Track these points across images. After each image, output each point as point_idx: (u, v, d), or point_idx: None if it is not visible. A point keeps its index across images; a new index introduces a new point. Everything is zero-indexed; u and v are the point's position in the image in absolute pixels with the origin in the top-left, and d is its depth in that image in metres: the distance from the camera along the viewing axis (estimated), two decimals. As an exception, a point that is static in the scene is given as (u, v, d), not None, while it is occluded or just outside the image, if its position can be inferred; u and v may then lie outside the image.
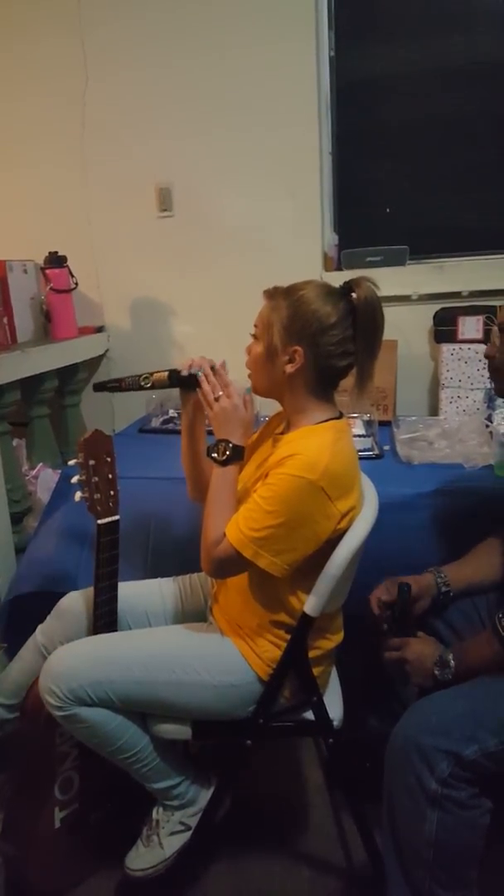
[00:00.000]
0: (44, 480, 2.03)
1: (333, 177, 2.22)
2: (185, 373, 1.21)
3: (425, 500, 1.48)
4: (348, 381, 1.16)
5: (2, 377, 1.83)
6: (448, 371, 2.00)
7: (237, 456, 1.15)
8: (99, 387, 1.28)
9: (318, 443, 1.08)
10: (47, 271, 2.13)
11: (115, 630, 1.26)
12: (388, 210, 2.22)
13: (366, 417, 1.86)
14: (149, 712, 1.17)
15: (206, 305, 2.27)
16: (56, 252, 2.14)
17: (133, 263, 2.33)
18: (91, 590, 1.24)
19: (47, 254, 2.14)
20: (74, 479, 1.21)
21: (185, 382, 1.22)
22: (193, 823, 1.24)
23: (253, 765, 1.60)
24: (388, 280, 2.02)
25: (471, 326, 2.00)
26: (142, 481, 1.58)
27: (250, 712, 1.17)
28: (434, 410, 2.09)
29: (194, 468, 1.31)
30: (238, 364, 1.22)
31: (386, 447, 1.77)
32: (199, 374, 1.19)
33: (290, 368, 1.12)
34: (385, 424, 1.92)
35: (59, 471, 1.96)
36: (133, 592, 1.33)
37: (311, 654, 1.16)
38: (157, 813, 1.25)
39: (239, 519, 1.07)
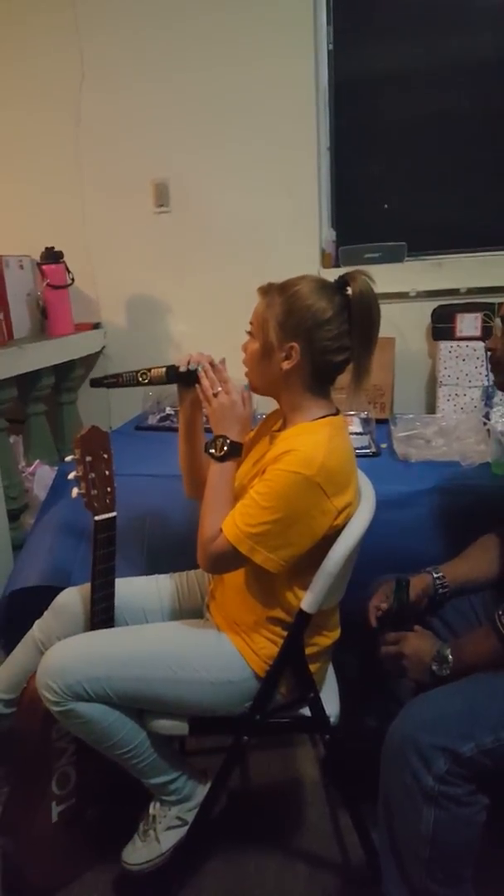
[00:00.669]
0: (40, 477, 2.02)
1: (331, 173, 2.21)
2: (182, 369, 1.21)
3: (422, 498, 1.49)
4: (345, 379, 1.16)
5: (-2, 374, 1.83)
6: (446, 368, 2.00)
7: (235, 452, 1.15)
8: (96, 382, 1.27)
9: (314, 439, 1.08)
10: (43, 267, 2.12)
11: (112, 626, 1.26)
12: (386, 206, 2.22)
13: (363, 415, 1.86)
14: (145, 708, 1.17)
15: (202, 302, 2.27)
16: (52, 248, 2.14)
17: (130, 259, 2.32)
18: (88, 586, 1.24)
19: (43, 249, 2.13)
20: (71, 476, 1.20)
21: (183, 378, 1.22)
22: (190, 818, 1.24)
23: (249, 761, 1.60)
24: (386, 277, 2.02)
25: (469, 324, 1.99)
26: (138, 478, 1.58)
27: (247, 709, 1.17)
28: (431, 408, 2.09)
29: (191, 465, 1.31)
30: (236, 361, 1.22)
31: (383, 445, 1.77)
32: (199, 369, 1.18)
33: (286, 365, 1.11)
34: (382, 422, 1.92)
35: (56, 467, 1.96)
36: (130, 589, 1.33)
37: (308, 650, 1.16)
38: (153, 808, 1.25)
39: (235, 515, 1.07)
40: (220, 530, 1.08)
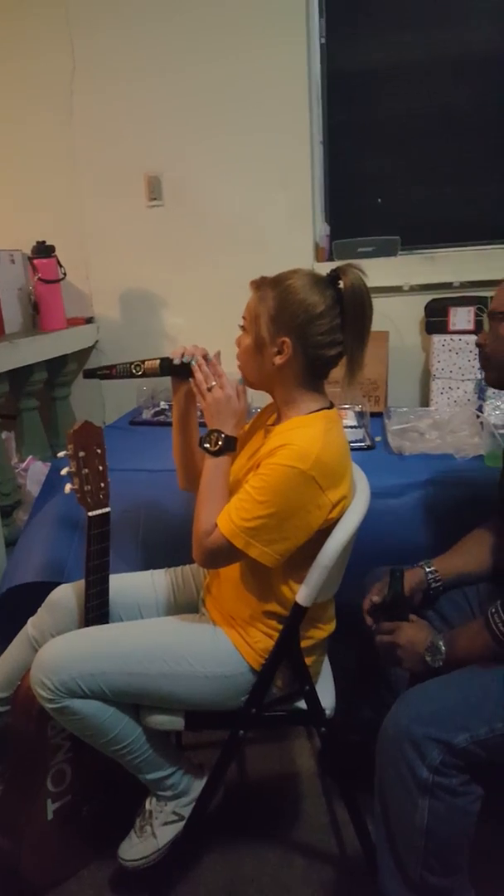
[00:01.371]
0: (34, 473, 2.01)
1: (325, 166, 2.20)
2: (177, 361, 1.20)
3: (416, 491, 1.49)
4: (339, 373, 1.16)
5: (-10, 369, 1.82)
6: (439, 362, 2.00)
7: (229, 446, 1.14)
8: (89, 373, 1.26)
9: (309, 433, 1.08)
10: (35, 261, 2.11)
11: (107, 622, 1.26)
12: (379, 200, 2.22)
13: (357, 408, 1.86)
14: (141, 703, 1.17)
15: (196, 296, 2.26)
16: (44, 242, 2.12)
17: (122, 253, 2.31)
18: (82, 582, 1.24)
19: (35, 243, 2.12)
20: (64, 471, 1.20)
21: (177, 371, 1.21)
22: (186, 813, 1.24)
23: (246, 755, 1.60)
24: (380, 271, 2.03)
25: (462, 317, 2.00)
26: (133, 473, 1.58)
27: (243, 702, 1.17)
28: (425, 401, 2.10)
29: (186, 458, 1.31)
30: (230, 355, 1.22)
31: (377, 438, 1.77)
32: (193, 363, 1.18)
33: (278, 360, 1.11)
34: (377, 415, 1.93)
35: (49, 463, 1.95)
36: (125, 584, 1.32)
37: (304, 643, 1.16)
38: (150, 803, 1.25)
39: (230, 509, 1.07)
40: (216, 525, 1.08)
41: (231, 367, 1.21)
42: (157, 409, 2.11)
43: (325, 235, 2.21)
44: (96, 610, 1.24)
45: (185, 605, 1.34)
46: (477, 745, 0.94)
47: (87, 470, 1.18)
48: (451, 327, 2.01)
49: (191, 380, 1.19)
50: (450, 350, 1.99)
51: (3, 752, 1.29)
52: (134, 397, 2.19)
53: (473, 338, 1.95)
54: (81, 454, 1.18)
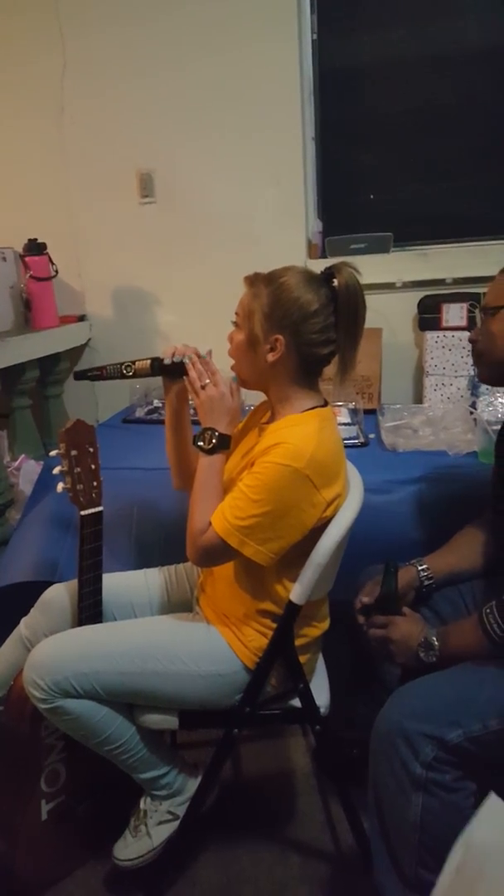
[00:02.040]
0: (26, 472, 2.00)
1: (317, 163, 2.20)
2: (167, 361, 1.20)
3: (410, 488, 1.49)
4: (332, 370, 1.15)
5: (-19, 367, 1.81)
6: (432, 359, 2.00)
7: (223, 445, 1.14)
8: (79, 375, 1.26)
9: (303, 431, 1.08)
10: (27, 259, 2.10)
11: (100, 622, 1.25)
12: (371, 197, 2.21)
13: (351, 406, 1.86)
14: (135, 703, 1.17)
15: (189, 293, 2.25)
16: (35, 239, 2.11)
17: (115, 251, 2.30)
18: (75, 582, 1.23)
19: (26, 241, 2.10)
20: (56, 470, 1.19)
21: (168, 371, 1.21)
22: (181, 813, 1.24)
23: (240, 753, 1.60)
24: (373, 267, 2.03)
25: (455, 314, 2.00)
26: (126, 471, 1.57)
27: (237, 701, 1.17)
28: (419, 398, 2.10)
29: (179, 457, 1.30)
30: (223, 353, 1.21)
31: (371, 435, 1.77)
32: (186, 361, 1.17)
33: (271, 357, 1.11)
34: (370, 412, 1.93)
35: (42, 462, 1.94)
36: (118, 583, 1.32)
37: (298, 641, 1.16)
38: (144, 803, 1.25)
39: (225, 508, 1.07)
40: (210, 523, 1.07)
41: (223, 366, 1.20)
42: (150, 407, 2.11)
43: (317, 232, 2.20)
44: (89, 609, 1.24)
45: (179, 603, 1.33)
46: (470, 741, 0.94)
47: (79, 469, 1.18)
48: (444, 324, 2.01)
49: (185, 378, 1.18)
50: (443, 346, 1.99)
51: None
52: (127, 395, 2.18)
53: (466, 334, 1.96)
54: (74, 453, 1.17)
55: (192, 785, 1.26)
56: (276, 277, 1.11)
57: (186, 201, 2.20)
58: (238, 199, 2.16)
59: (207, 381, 1.15)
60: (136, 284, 2.31)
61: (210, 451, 1.13)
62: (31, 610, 1.34)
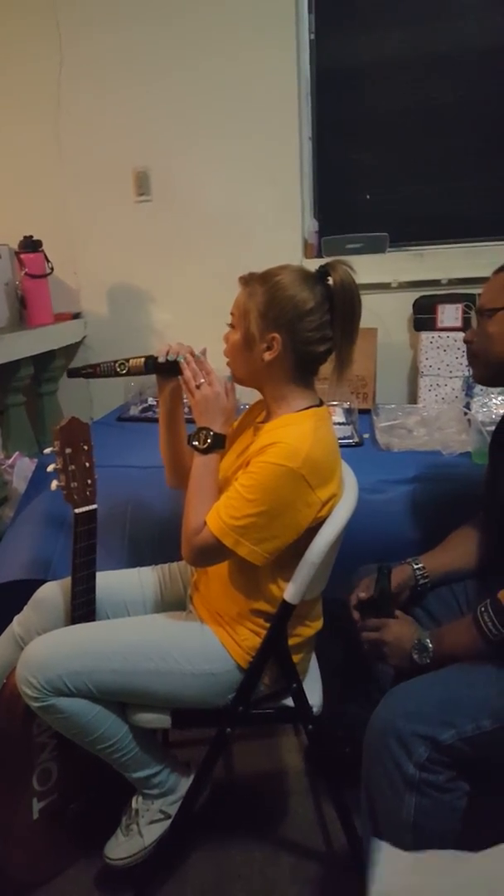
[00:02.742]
0: (20, 469, 2.00)
1: (314, 163, 2.20)
2: (162, 359, 1.19)
3: (404, 487, 1.49)
4: (328, 369, 1.15)
5: (-25, 364, 1.80)
6: (427, 359, 2.00)
7: (218, 444, 1.14)
8: (73, 373, 1.25)
9: (298, 431, 1.07)
10: (22, 256, 2.09)
11: (94, 620, 1.25)
12: (368, 197, 2.22)
13: (346, 405, 1.87)
14: (128, 702, 1.16)
15: (184, 291, 2.25)
16: (31, 236, 2.10)
17: (110, 249, 2.29)
18: (68, 580, 1.22)
19: (22, 238, 2.09)
20: (50, 468, 1.18)
21: (162, 369, 1.20)
22: (173, 812, 1.23)
23: (233, 752, 1.60)
24: (368, 267, 2.02)
25: (450, 314, 2.00)
26: (120, 469, 1.57)
27: (230, 700, 1.16)
28: (413, 398, 2.10)
29: (172, 455, 1.30)
30: (219, 352, 1.21)
31: (366, 435, 1.78)
32: (180, 360, 1.17)
33: (268, 356, 1.10)
34: (365, 412, 1.93)
35: (36, 459, 1.93)
36: (111, 582, 1.31)
37: (291, 641, 1.16)
38: (136, 802, 1.24)
39: (220, 507, 1.06)
40: (204, 523, 1.07)
41: (218, 364, 1.20)
42: (144, 405, 2.10)
43: (313, 232, 2.20)
44: (83, 608, 1.23)
45: (172, 602, 1.33)
46: (463, 741, 0.94)
47: (73, 466, 1.17)
48: (439, 324, 2.01)
49: (179, 377, 1.18)
50: (438, 347, 1.99)
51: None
52: (122, 393, 2.18)
53: (461, 335, 1.95)
54: (68, 451, 1.17)
55: (185, 784, 1.25)
56: (271, 276, 1.11)
57: (182, 200, 2.20)
58: (234, 198, 2.16)
59: (202, 380, 1.14)
60: (132, 282, 2.31)
61: (205, 451, 1.13)
62: (25, 608, 1.33)
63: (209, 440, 1.13)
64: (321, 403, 1.17)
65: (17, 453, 2.05)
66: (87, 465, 1.20)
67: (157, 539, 1.50)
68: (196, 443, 1.13)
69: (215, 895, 1.27)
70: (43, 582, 1.35)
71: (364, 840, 1.05)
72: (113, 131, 2.19)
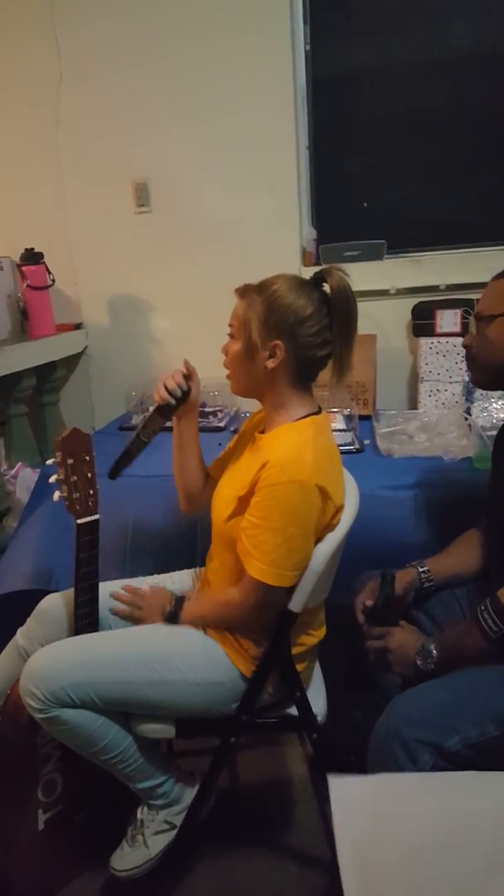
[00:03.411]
0: (23, 480, 2.00)
1: (311, 171, 2.21)
2: (171, 401, 1.23)
3: (406, 493, 1.50)
4: (327, 376, 1.16)
5: (-22, 376, 1.81)
6: (427, 364, 2.01)
7: (179, 606, 1.20)
8: (114, 473, 1.25)
9: (298, 440, 1.08)
10: (24, 268, 2.10)
11: (97, 630, 1.25)
12: (365, 204, 2.23)
13: (346, 412, 1.87)
14: (131, 712, 1.16)
15: (184, 301, 2.26)
16: (32, 248, 2.11)
17: (111, 260, 2.31)
18: (71, 591, 1.23)
19: (23, 250, 2.11)
20: (52, 479, 1.19)
21: (174, 409, 1.25)
22: (178, 822, 1.23)
23: (237, 761, 1.60)
24: (367, 274, 2.04)
25: (449, 320, 2.01)
26: (122, 480, 1.56)
27: (234, 709, 1.16)
28: (413, 404, 2.10)
29: (186, 482, 1.32)
30: (217, 359, 1.21)
31: (366, 441, 1.78)
32: (173, 401, 1.23)
33: (271, 363, 1.11)
34: (365, 419, 1.93)
35: (39, 469, 1.94)
36: (115, 592, 1.31)
37: (294, 650, 1.16)
38: (141, 812, 1.24)
39: (250, 552, 1.06)
40: (246, 576, 1.08)
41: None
42: (146, 414, 2.10)
43: (311, 240, 2.21)
44: (86, 618, 1.23)
45: (176, 611, 1.33)
46: (468, 748, 0.94)
47: (75, 477, 1.18)
48: (438, 330, 2.02)
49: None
50: (437, 352, 2.00)
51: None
52: (123, 403, 2.19)
53: (460, 340, 1.96)
54: (70, 461, 1.17)
55: (189, 794, 1.25)
56: (267, 286, 1.12)
57: (182, 210, 2.21)
58: (233, 208, 2.17)
59: (140, 605, 1.23)
60: (132, 293, 2.32)
61: (172, 615, 1.19)
62: (28, 619, 1.33)
63: (170, 608, 1.20)
64: (320, 411, 1.17)
65: (19, 464, 2.06)
66: (90, 475, 1.20)
67: (160, 549, 1.50)
68: (171, 616, 1.19)
69: (221, 905, 1.26)
70: (46, 593, 1.36)
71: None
72: (112, 143, 2.21)
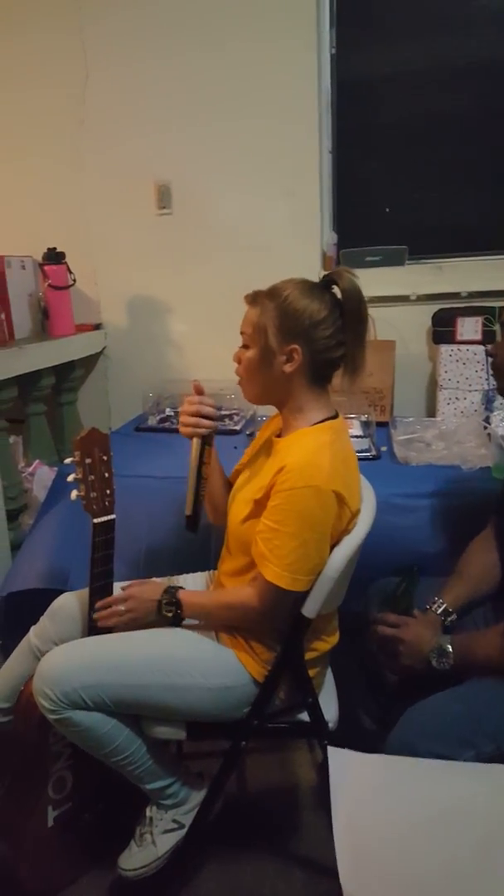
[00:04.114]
0: (40, 478, 2.02)
1: (333, 175, 2.21)
2: (217, 425, 1.24)
3: (422, 501, 1.48)
4: (344, 383, 1.16)
5: (-2, 374, 1.83)
6: (446, 372, 1.99)
7: (178, 607, 1.17)
8: (196, 525, 1.24)
9: (315, 444, 1.08)
10: (46, 268, 2.12)
11: (110, 631, 1.25)
12: (387, 210, 2.22)
13: (363, 418, 1.86)
14: (143, 714, 1.16)
15: (203, 304, 2.26)
16: (55, 248, 2.13)
17: (131, 261, 2.32)
18: (85, 591, 1.23)
19: (46, 250, 2.13)
20: (70, 478, 1.20)
21: (210, 439, 1.23)
22: (187, 822, 1.23)
23: (246, 764, 1.59)
24: (387, 280, 2.03)
25: (469, 327, 1.99)
26: (138, 479, 1.57)
27: (245, 714, 1.16)
28: (432, 412, 2.09)
29: (210, 496, 1.30)
30: (232, 363, 1.22)
31: (383, 448, 1.77)
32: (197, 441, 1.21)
33: (289, 368, 1.11)
34: (382, 425, 1.92)
35: (56, 468, 1.95)
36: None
37: (307, 655, 1.16)
38: (150, 811, 1.24)
39: (265, 554, 1.06)
40: (258, 578, 1.08)
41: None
42: (162, 415, 2.11)
43: (332, 244, 2.21)
44: (99, 618, 1.24)
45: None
46: (483, 762, 0.93)
47: (92, 477, 1.18)
48: (459, 337, 2.00)
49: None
50: (457, 360, 1.98)
51: (5, 760, 1.29)
52: (140, 404, 2.19)
53: (481, 348, 1.95)
54: (87, 461, 1.18)
55: (198, 795, 1.25)
56: (279, 291, 1.12)
57: (203, 213, 2.22)
58: (254, 212, 2.18)
59: (122, 609, 1.19)
60: (152, 294, 2.33)
61: (174, 619, 1.17)
62: (41, 618, 1.34)
63: (171, 614, 1.16)
64: (337, 415, 1.17)
65: (36, 461, 2.07)
66: (107, 475, 1.21)
67: (175, 549, 1.51)
68: (167, 616, 1.17)
69: (228, 910, 1.26)
70: (60, 592, 1.36)
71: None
72: (135, 145, 2.22)
